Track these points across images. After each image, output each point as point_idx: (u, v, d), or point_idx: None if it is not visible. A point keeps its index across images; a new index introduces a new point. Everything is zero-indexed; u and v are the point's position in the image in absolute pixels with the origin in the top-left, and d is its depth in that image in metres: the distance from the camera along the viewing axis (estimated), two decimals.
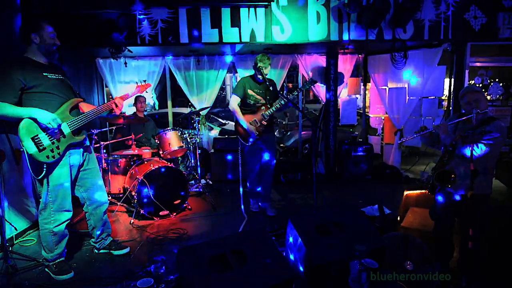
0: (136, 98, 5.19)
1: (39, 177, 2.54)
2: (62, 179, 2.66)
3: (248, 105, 3.89)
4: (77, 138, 2.70)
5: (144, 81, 3.25)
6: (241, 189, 4.24)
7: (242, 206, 4.16)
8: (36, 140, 2.46)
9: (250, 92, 3.86)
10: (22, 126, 2.43)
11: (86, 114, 2.71)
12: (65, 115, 2.62)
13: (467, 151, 2.46)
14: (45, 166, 2.52)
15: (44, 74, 2.59)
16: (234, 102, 3.87)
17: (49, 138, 2.52)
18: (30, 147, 2.43)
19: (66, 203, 2.72)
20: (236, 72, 6.02)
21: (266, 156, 3.98)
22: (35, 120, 2.46)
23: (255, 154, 3.98)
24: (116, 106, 2.85)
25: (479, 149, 2.43)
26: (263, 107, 3.85)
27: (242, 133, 3.88)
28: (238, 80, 4.02)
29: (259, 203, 4.20)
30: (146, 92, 3.25)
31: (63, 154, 2.61)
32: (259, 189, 4.10)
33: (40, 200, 2.68)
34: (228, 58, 5.78)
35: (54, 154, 2.54)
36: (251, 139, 3.84)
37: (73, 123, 2.64)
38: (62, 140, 2.60)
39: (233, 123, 4.44)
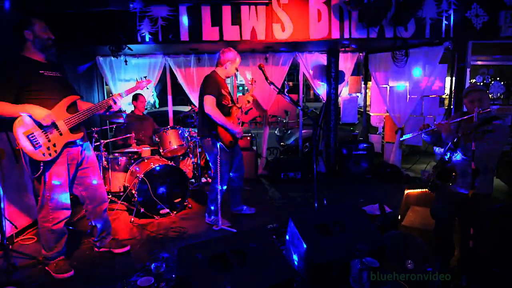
0: (136, 97, 5.18)
1: (36, 175, 2.53)
2: (60, 178, 2.64)
3: (223, 106, 3.48)
4: (75, 135, 2.68)
5: (145, 77, 3.20)
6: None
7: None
8: (31, 138, 2.43)
9: (223, 92, 3.49)
10: (17, 124, 2.41)
11: (83, 111, 2.70)
12: (62, 112, 2.60)
13: (469, 150, 2.46)
14: (41, 164, 2.51)
15: (41, 72, 2.57)
16: (212, 103, 3.35)
17: (45, 135, 2.50)
18: (25, 145, 2.41)
19: (64, 201, 2.70)
20: (237, 70, 6.01)
21: (241, 163, 3.86)
22: (29, 116, 2.43)
23: (229, 161, 3.67)
24: (115, 103, 2.83)
25: (481, 148, 2.43)
26: (235, 109, 3.63)
27: (226, 138, 3.48)
28: (207, 79, 3.48)
29: (235, 209, 4.03)
30: (147, 88, 3.22)
31: (60, 152, 2.59)
32: (233, 192, 3.93)
33: (38, 198, 2.67)
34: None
35: (51, 152, 2.51)
36: (232, 144, 3.54)
37: (70, 120, 2.62)
38: (60, 138, 2.58)
39: None
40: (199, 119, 3.62)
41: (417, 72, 5.42)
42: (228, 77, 3.70)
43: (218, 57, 3.58)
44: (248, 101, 3.79)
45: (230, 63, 3.54)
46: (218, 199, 3.61)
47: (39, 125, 2.47)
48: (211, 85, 3.42)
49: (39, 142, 2.46)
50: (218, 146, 3.48)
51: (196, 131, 5.03)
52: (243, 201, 4.07)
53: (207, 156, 3.70)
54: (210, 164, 3.69)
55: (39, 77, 2.55)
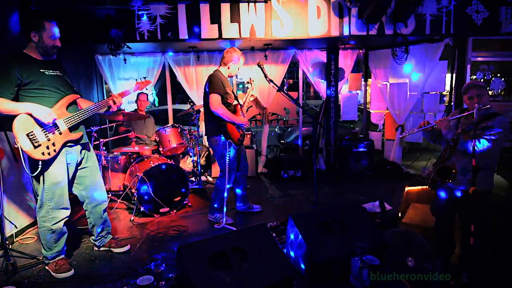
0: (137, 96, 5.17)
1: (34, 174, 2.52)
2: (59, 178, 2.63)
3: (228, 105, 3.49)
4: (74, 135, 2.67)
5: (144, 78, 3.21)
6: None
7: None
8: (31, 137, 2.42)
9: (227, 90, 3.49)
10: (17, 122, 2.39)
11: (83, 111, 2.68)
12: (61, 111, 2.59)
13: (469, 146, 2.45)
14: (40, 163, 2.49)
15: (41, 70, 2.56)
16: (219, 101, 3.36)
17: (45, 135, 2.49)
18: (24, 144, 2.40)
19: (63, 201, 2.69)
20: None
21: (246, 163, 3.89)
22: (30, 115, 2.42)
23: (236, 158, 3.68)
24: (114, 103, 2.81)
25: (481, 145, 2.42)
26: (239, 107, 3.62)
27: (235, 135, 3.52)
28: (212, 78, 3.46)
29: (241, 208, 4.03)
30: (146, 89, 3.24)
31: (59, 152, 2.58)
32: (238, 191, 3.94)
33: (37, 198, 2.66)
34: None
35: (50, 151, 2.50)
36: (240, 140, 3.60)
37: (69, 119, 2.61)
38: (59, 137, 2.57)
39: None
40: (206, 119, 3.61)
41: (408, 68, 5.43)
42: (231, 76, 3.71)
43: (222, 56, 3.59)
44: (252, 95, 3.84)
45: (234, 64, 3.55)
46: (224, 197, 3.61)
47: (39, 123, 2.46)
48: (216, 84, 3.40)
49: (38, 141, 2.45)
50: (228, 143, 3.50)
51: (196, 129, 5.04)
52: (248, 199, 4.06)
53: (214, 154, 3.68)
54: (217, 162, 3.67)
55: (39, 75, 2.54)
